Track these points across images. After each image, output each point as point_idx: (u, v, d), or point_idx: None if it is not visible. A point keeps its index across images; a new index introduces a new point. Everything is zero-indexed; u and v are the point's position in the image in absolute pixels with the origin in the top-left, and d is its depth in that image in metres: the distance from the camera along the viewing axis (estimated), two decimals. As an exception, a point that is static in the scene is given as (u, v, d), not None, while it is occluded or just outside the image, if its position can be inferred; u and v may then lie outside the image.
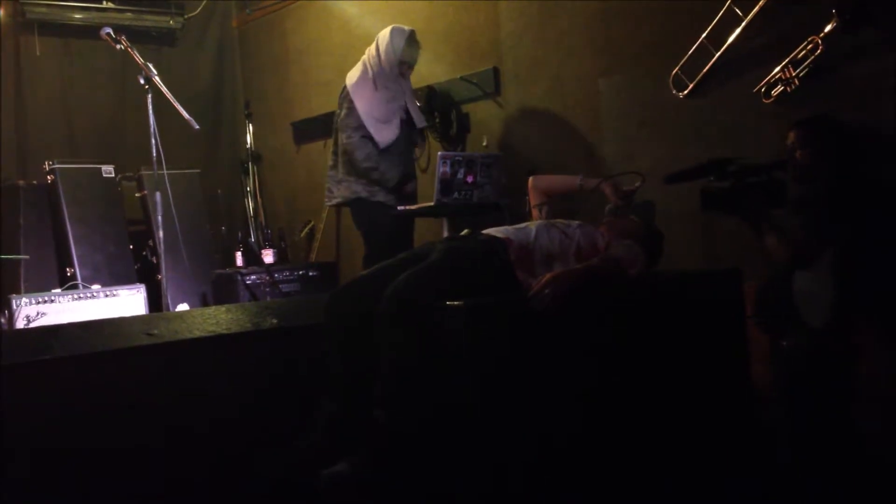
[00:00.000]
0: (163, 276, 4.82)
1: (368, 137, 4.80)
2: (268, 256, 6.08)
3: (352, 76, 4.91)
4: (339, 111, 4.92)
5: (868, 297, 3.22)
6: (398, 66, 4.81)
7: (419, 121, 5.08)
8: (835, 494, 3.08)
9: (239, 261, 6.08)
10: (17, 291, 5.09)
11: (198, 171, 6.39)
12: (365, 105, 4.83)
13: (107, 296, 5.11)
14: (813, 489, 3.13)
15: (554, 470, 2.63)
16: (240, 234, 6.46)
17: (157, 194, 4.68)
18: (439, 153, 4.47)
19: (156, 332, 2.94)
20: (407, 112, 4.99)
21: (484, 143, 5.23)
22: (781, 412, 3.37)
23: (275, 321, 3.15)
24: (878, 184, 3.35)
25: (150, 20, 7.03)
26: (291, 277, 5.84)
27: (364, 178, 4.80)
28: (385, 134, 4.83)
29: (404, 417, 2.58)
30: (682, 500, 2.90)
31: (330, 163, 5.00)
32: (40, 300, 4.86)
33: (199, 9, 7.28)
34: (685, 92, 4.10)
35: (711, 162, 3.42)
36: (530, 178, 3.60)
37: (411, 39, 4.83)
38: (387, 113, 4.85)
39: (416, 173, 5.14)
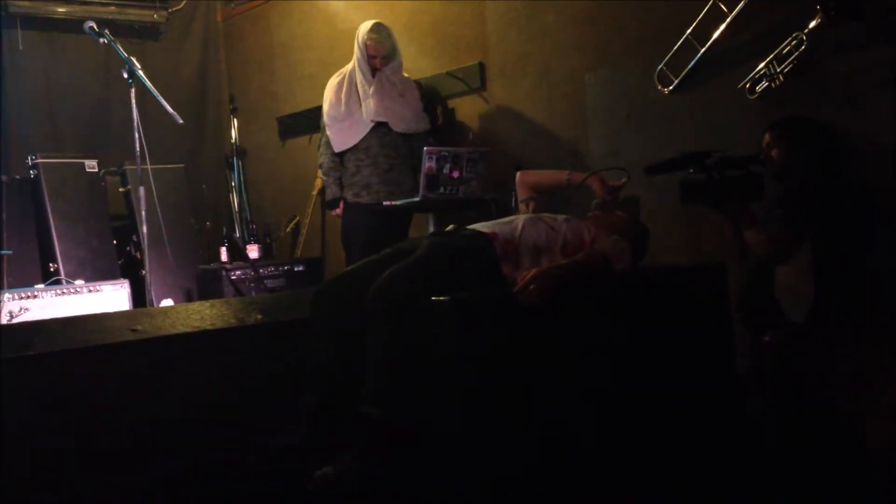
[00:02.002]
0: (147, 272, 4.79)
1: (328, 142, 4.85)
2: (253, 252, 6.07)
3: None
4: None
5: (847, 292, 3.24)
6: (367, 59, 4.76)
7: (396, 122, 4.83)
8: (817, 488, 3.10)
9: (223, 256, 6.06)
10: (0, 287, 5.05)
11: (182, 165, 6.35)
12: (326, 105, 4.86)
13: (90, 291, 5.08)
14: (796, 484, 3.14)
15: (542, 464, 2.63)
16: (224, 230, 6.43)
17: (141, 189, 4.65)
18: (425, 148, 4.46)
19: (140, 327, 2.92)
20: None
21: (470, 139, 5.22)
22: (762, 407, 3.39)
23: (260, 317, 3.14)
24: (855, 180, 3.37)
25: (134, 14, 6.98)
26: (276, 273, 5.82)
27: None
28: (340, 137, 4.80)
29: (393, 413, 2.58)
30: (669, 495, 2.91)
31: None
32: (23, 296, 4.83)
33: (183, 3, 7.25)
34: (671, 87, 4.11)
35: (692, 154, 3.43)
36: (518, 174, 3.60)
37: (375, 28, 4.74)
38: (343, 112, 4.78)
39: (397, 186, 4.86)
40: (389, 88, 4.85)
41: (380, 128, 4.80)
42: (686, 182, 3.40)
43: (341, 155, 4.86)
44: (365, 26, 4.78)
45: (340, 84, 4.85)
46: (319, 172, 4.97)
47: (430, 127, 5.09)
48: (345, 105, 4.79)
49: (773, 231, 3.28)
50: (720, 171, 3.33)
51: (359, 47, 4.77)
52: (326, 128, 4.87)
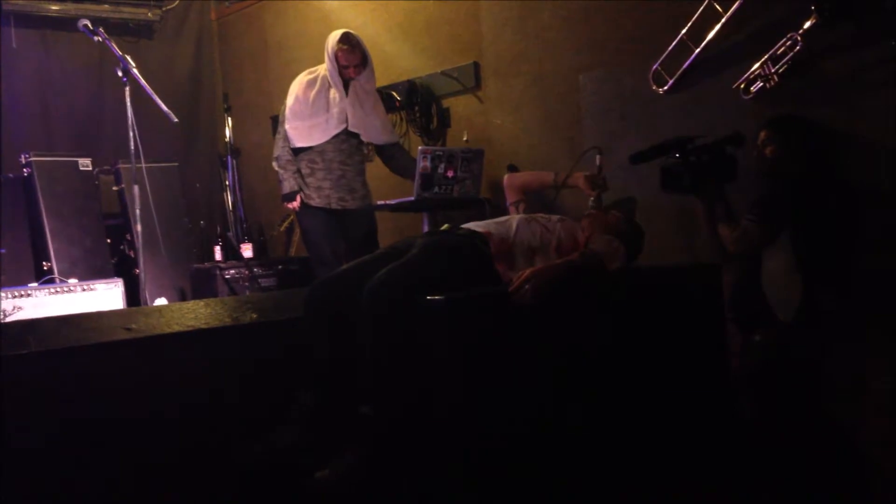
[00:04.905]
0: (140, 271, 4.78)
1: (285, 136, 4.80)
2: (247, 251, 6.06)
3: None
4: None
5: (836, 291, 3.25)
6: (338, 69, 4.69)
7: (369, 134, 4.84)
8: (808, 487, 3.11)
9: (218, 255, 6.06)
10: (-7, 286, 5.05)
11: (176, 164, 6.35)
12: (291, 99, 4.80)
13: (84, 290, 5.07)
14: (786, 483, 3.15)
15: (535, 463, 2.63)
16: (218, 228, 6.43)
17: (135, 188, 4.64)
18: (420, 148, 4.46)
19: (134, 326, 2.92)
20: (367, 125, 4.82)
21: (464, 138, 5.23)
22: (753, 406, 3.40)
23: (254, 315, 3.14)
24: (847, 180, 3.38)
25: (128, 12, 6.98)
26: (270, 272, 5.82)
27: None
28: (299, 134, 4.76)
29: (390, 413, 2.58)
30: (661, 493, 2.91)
31: None
32: (16, 294, 4.81)
33: (177, 1, 7.24)
34: (665, 88, 4.11)
35: (674, 140, 3.44)
36: (505, 177, 3.62)
37: (345, 39, 4.67)
38: (309, 111, 4.73)
39: (354, 193, 4.86)
40: (364, 97, 4.80)
41: (338, 135, 4.76)
42: (665, 168, 3.43)
43: (293, 152, 4.83)
44: (334, 36, 4.69)
45: (311, 83, 4.77)
46: (275, 164, 4.88)
47: (398, 139, 5.11)
48: (312, 105, 4.73)
49: (752, 227, 3.30)
50: (698, 155, 3.35)
51: (329, 58, 4.69)
52: (286, 121, 4.79)
